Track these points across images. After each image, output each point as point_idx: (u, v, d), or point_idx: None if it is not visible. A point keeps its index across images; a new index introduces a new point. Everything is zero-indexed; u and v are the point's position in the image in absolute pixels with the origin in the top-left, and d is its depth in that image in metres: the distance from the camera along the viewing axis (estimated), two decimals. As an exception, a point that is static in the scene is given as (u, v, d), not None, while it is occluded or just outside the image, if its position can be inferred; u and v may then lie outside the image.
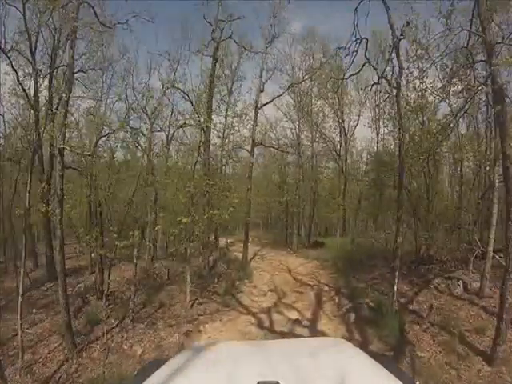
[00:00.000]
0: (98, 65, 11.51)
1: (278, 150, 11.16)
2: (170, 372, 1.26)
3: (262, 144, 10.66)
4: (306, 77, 12.17)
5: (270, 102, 11.01)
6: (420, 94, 6.16)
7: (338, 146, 19.41)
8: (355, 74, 6.24)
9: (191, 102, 9.41)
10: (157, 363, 1.47)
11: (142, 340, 5.95)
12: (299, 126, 16.15)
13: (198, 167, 8.96)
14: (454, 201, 8.73)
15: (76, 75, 9.23)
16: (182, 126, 15.48)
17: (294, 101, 16.99)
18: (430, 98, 6.55)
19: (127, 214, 7.43)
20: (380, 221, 18.30)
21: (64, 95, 5.78)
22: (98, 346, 5.87)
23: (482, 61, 5.35)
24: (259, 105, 11.01)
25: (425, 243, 7.77)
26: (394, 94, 5.52)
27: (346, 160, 19.28)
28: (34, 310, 7.44)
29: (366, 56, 5.69)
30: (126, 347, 5.86)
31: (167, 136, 15.07)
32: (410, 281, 7.14)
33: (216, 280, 8.91)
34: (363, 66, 5.90)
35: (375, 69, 5.88)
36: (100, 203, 8.50)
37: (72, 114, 11.59)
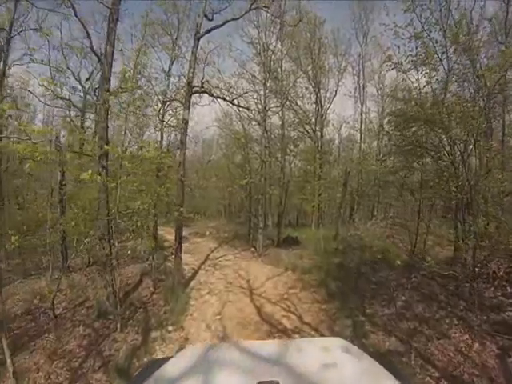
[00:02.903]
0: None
1: (231, 103, 7.13)
2: (170, 372, 1.25)
3: (205, 91, 6.58)
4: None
5: (220, 26, 6.83)
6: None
7: (313, 119, 16.08)
8: None
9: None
10: (157, 363, 1.42)
11: None
12: (265, 91, 12.28)
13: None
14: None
15: None
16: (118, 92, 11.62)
17: (259, 59, 13.04)
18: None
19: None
20: (360, 210, 15.68)
21: None
22: None
23: None
24: (201, 32, 6.87)
25: (479, 247, 4.46)
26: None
27: (321, 136, 16.17)
28: None
29: None
30: None
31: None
32: (476, 329, 3.77)
33: (119, 326, 4.88)
34: None
35: None
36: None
37: None
